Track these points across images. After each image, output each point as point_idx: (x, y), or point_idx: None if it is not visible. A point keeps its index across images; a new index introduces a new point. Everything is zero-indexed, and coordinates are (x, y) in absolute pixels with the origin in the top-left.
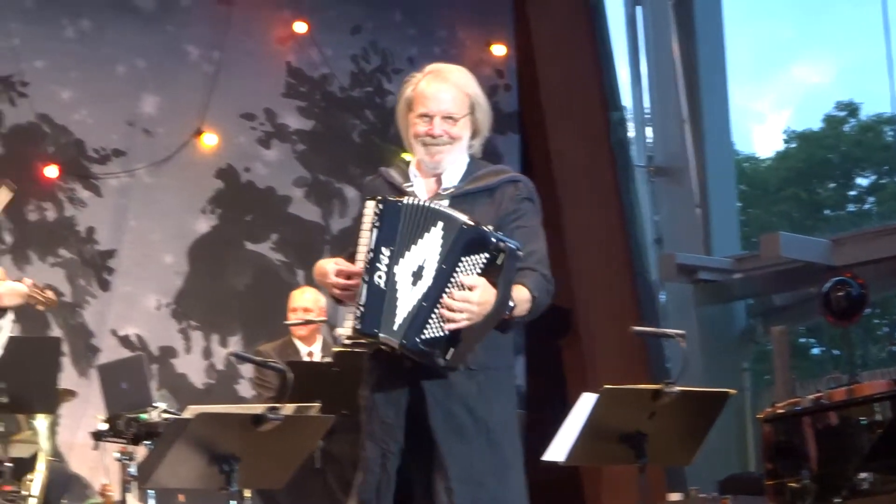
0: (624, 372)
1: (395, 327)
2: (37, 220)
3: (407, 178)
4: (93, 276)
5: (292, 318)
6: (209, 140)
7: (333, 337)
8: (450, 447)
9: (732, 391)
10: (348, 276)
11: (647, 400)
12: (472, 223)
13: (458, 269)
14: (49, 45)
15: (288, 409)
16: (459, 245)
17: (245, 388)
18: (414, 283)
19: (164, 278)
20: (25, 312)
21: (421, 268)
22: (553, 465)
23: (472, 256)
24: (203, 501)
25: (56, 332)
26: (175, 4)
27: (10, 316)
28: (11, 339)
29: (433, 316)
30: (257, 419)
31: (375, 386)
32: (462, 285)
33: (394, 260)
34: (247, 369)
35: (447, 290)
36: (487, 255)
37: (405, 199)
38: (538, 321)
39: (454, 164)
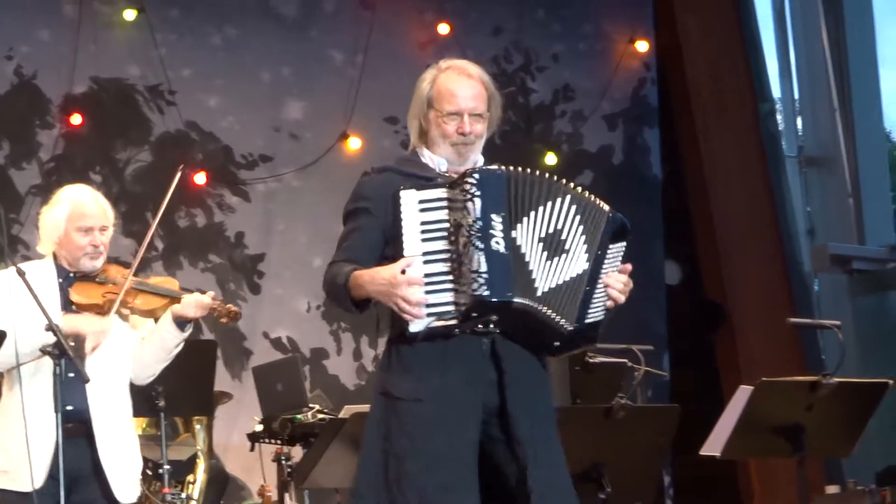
0: (779, 364)
1: (539, 294)
2: (187, 226)
3: (424, 166)
4: (243, 280)
5: None
6: (353, 144)
7: None
8: (527, 431)
9: (891, 381)
10: (418, 283)
11: (805, 392)
12: (615, 212)
13: (608, 255)
14: (195, 54)
15: None
16: (609, 232)
17: None
18: (549, 253)
19: (313, 281)
20: None
21: (553, 238)
22: (705, 459)
23: (617, 244)
24: None
25: (208, 336)
26: (318, 10)
27: (190, 327)
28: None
29: (594, 298)
30: None
31: (444, 369)
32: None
33: (509, 225)
34: None
35: (601, 275)
36: (625, 245)
37: (502, 167)
38: (686, 315)
39: (473, 163)
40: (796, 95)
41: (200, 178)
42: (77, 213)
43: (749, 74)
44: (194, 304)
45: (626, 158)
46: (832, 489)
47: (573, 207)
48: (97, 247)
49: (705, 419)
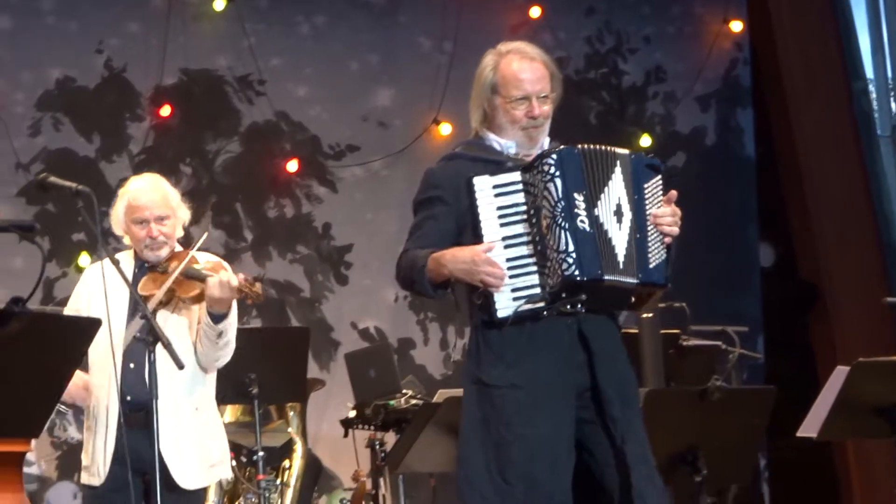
0: (874, 345)
1: (621, 266)
2: (276, 216)
3: (492, 150)
4: (330, 270)
5: None
6: (445, 130)
7: None
8: (619, 410)
9: None
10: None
11: None
12: (635, 153)
13: (646, 194)
14: (284, 44)
15: None
16: (639, 173)
17: None
18: (619, 223)
19: None
20: (267, 308)
21: (619, 206)
22: (801, 441)
23: (652, 182)
24: (454, 484)
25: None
26: None
27: (226, 320)
28: (259, 331)
29: (649, 242)
30: None
31: (535, 353)
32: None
33: (591, 203)
34: None
35: (647, 216)
36: (661, 178)
37: (577, 146)
38: (781, 297)
39: (542, 145)
40: (889, 74)
41: (293, 166)
42: (132, 206)
43: (841, 53)
44: (218, 286)
45: (719, 140)
46: None
47: (621, 171)
48: (155, 238)
49: (801, 401)
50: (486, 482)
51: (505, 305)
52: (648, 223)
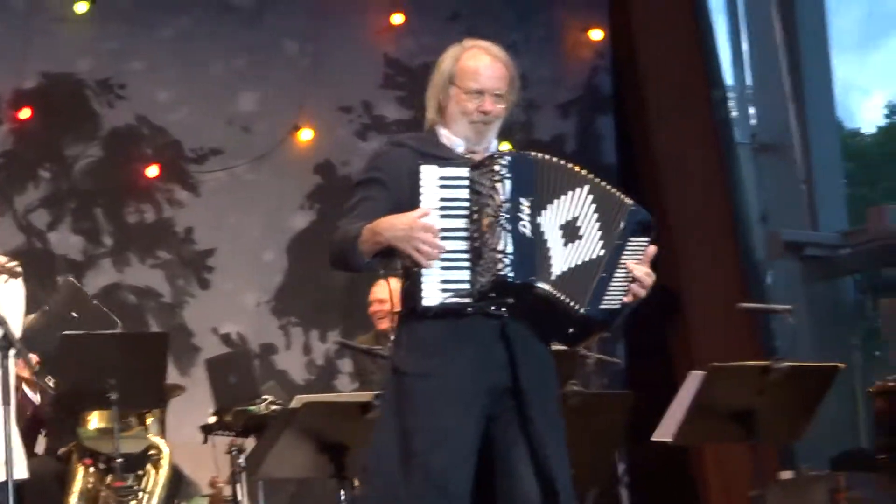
0: (731, 350)
1: (560, 283)
2: (136, 222)
3: (440, 146)
4: (192, 275)
5: (371, 309)
6: (306, 135)
7: None
8: (539, 411)
9: (842, 365)
10: (434, 233)
11: (756, 376)
12: (638, 207)
13: (628, 247)
14: (147, 47)
15: None
16: (631, 225)
17: (344, 383)
18: (567, 240)
19: (264, 276)
20: (126, 314)
21: (572, 225)
22: (660, 445)
23: (639, 239)
24: (312, 490)
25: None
26: None
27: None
28: (117, 337)
29: (611, 286)
30: (365, 407)
31: (454, 346)
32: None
33: (536, 211)
34: (346, 364)
35: (620, 264)
36: (648, 241)
37: (532, 153)
38: (644, 301)
39: (489, 144)
40: (749, 82)
41: (153, 171)
42: None
43: (702, 62)
44: None
45: (580, 147)
46: (786, 475)
47: (590, 196)
48: None
49: (661, 406)
50: (394, 469)
51: (431, 294)
52: (619, 270)
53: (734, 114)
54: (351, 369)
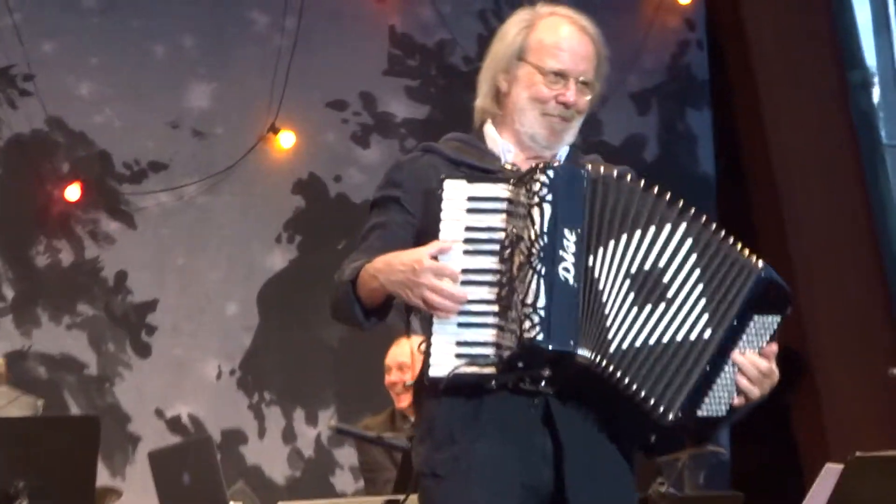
0: (880, 433)
1: (613, 350)
2: (47, 264)
3: (485, 152)
4: (126, 338)
5: (389, 379)
6: (285, 141)
7: None
8: None
9: None
10: (452, 277)
11: None
12: (769, 270)
13: (748, 329)
14: (61, 22)
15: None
16: (756, 297)
17: (344, 481)
18: (640, 297)
19: (227, 335)
20: (36, 391)
21: (654, 279)
22: None
23: (767, 318)
24: None
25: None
26: None
27: None
28: (27, 423)
29: (715, 384)
30: None
31: (476, 433)
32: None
33: (586, 248)
34: (347, 454)
35: (729, 354)
36: (780, 319)
37: (588, 166)
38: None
39: (561, 151)
40: None
41: (73, 193)
42: None
43: (834, 35)
44: None
45: (665, 152)
46: None
47: (688, 241)
48: None
49: None
50: None
51: (441, 361)
52: (727, 363)
53: (878, 104)
54: (353, 462)
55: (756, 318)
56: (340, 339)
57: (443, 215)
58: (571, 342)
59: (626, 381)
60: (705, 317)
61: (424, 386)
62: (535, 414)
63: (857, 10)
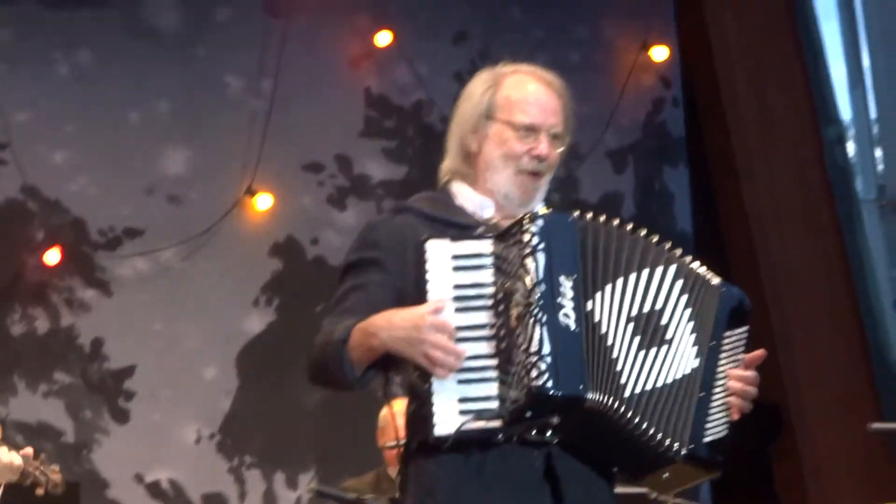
0: (861, 489)
1: (627, 395)
2: (22, 333)
3: (457, 209)
4: (104, 404)
5: (386, 442)
6: (262, 203)
7: None
8: None
9: None
10: (451, 334)
11: None
12: (729, 286)
13: (724, 346)
14: (35, 90)
15: None
16: (724, 314)
17: None
18: (644, 340)
19: (206, 399)
20: None
21: (650, 320)
22: None
23: (736, 332)
24: None
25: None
26: (208, 20)
27: None
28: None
29: (712, 407)
30: None
31: (481, 492)
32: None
33: (583, 294)
34: None
35: (718, 374)
36: (746, 331)
37: (575, 214)
38: (736, 421)
39: (538, 205)
40: (873, 115)
41: (49, 258)
42: None
43: (808, 88)
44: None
45: (641, 210)
46: None
47: (679, 282)
48: None
49: None
50: None
51: (447, 419)
52: (718, 383)
53: (854, 159)
54: None
55: (727, 334)
56: (320, 401)
57: (429, 276)
58: (581, 387)
59: (643, 424)
60: (695, 348)
61: (419, 447)
62: (538, 468)
63: (832, 64)
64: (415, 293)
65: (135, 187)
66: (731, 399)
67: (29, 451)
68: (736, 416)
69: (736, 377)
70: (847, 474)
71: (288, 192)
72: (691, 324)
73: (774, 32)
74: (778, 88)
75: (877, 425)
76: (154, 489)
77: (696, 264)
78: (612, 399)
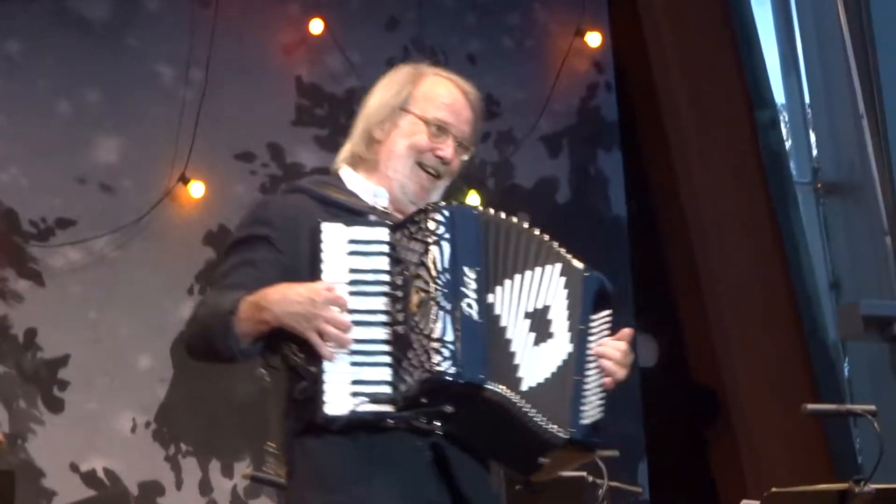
0: (796, 469)
1: (525, 388)
2: None
3: (350, 194)
4: (37, 394)
5: None
6: (196, 191)
7: None
8: None
9: None
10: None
11: None
12: (591, 270)
13: (592, 329)
14: None
15: None
16: (589, 298)
17: None
18: (537, 335)
19: (141, 388)
20: None
21: (543, 318)
22: None
23: (601, 314)
24: None
25: None
26: (138, 10)
27: None
28: None
29: (586, 390)
30: None
31: (369, 477)
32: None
33: (485, 286)
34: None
35: (589, 357)
36: (610, 313)
37: (479, 207)
38: (668, 408)
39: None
40: (807, 99)
41: None
42: None
43: (741, 72)
44: None
45: (576, 195)
46: None
47: (563, 279)
48: None
49: None
50: None
51: (338, 400)
52: (589, 365)
53: (788, 143)
54: None
55: (593, 318)
56: (254, 390)
57: (324, 256)
58: (481, 375)
59: (535, 416)
60: (569, 335)
61: (309, 428)
62: (424, 456)
63: (765, 48)
64: (307, 275)
65: (66, 177)
66: (604, 363)
67: None
68: (608, 382)
69: (612, 347)
70: (784, 456)
71: (220, 182)
72: (566, 313)
73: (707, 17)
74: (710, 73)
75: (812, 406)
76: (90, 478)
77: (568, 254)
78: (509, 391)
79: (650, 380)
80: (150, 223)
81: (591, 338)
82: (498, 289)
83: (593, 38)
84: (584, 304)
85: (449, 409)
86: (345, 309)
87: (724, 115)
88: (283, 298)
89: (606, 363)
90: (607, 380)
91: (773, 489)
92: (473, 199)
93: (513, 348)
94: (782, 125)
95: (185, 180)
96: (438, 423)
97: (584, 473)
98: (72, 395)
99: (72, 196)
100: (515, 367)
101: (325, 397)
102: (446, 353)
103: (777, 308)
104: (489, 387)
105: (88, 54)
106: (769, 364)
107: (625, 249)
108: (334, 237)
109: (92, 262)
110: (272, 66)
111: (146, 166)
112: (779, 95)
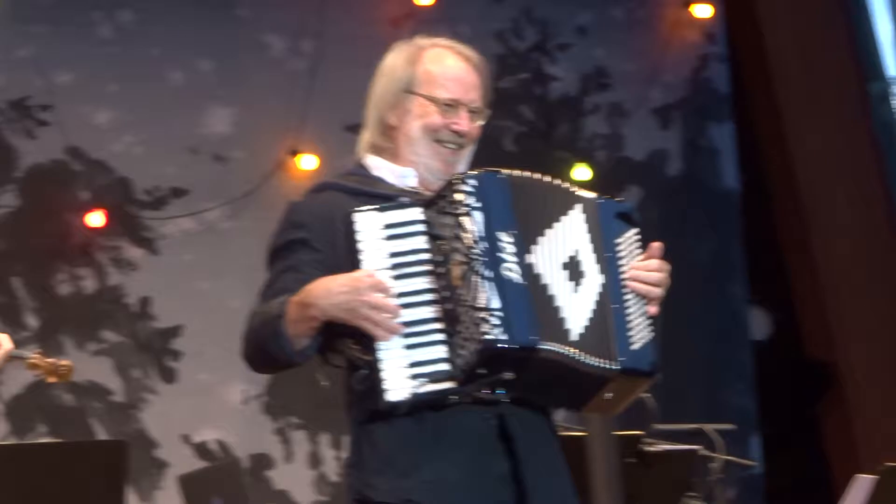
0: None
1: (578, 339)
2: (70, 293)
3: (377, 181)
4: (152, 364)
5: None
6: (306, 163)
7: None
8: None
9: None
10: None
11: None
12: (603, 197)
13: (619, 252)
14: (77, 51)
15: None
16: (609, 225)
17: None
18: (576, 285)
19: None
20: (61, 419)
21: (576, 262)
22: None
23: (625, 236)
24: None
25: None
26: None
27: None
28: (52, 449)
29: (629, 315)
30: None
31: (439, 457)
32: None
33: (523, 247)
34: None
35: (623, 279)
36: (636, 231)
37: (504, 171)
38: (781, 382)
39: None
40: None
41: (95, 220)
42: None
43: (854, 46)
44: None
45: (688, 167)
46: None
47: (584, 217)
48: None
49: None
50: None
51: (398, 385)
52: (625, 289)
53: None
54: None
55: (618, 241)
56: None
57: (361, 246)
58: (533, 337)
59: (587, 358)
60: (597, 266)
61: (373, 416)
62: (492, 428)
63: (878, 21)
64: (348, 268)
65: (179, 147)
66: (637, 287)
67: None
68: (653, 310)
69: (641, 269)
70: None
71: (331, 153)
72: (591, 246)
73: None
74: (823, 45)
75: None
76: (202, 449)
77: (580, 189)
78: (561, 345)
79: (763, 353)
80: (261, 194)
81: (621, 262)
82: (534, 248)
83: (702, 10)
84: (605, 231)
85: (508, 375)
86: (389, 292)
87: (836, 88)
88: (327, 291)
89: (639, 286)
90: (651, 308)
91: (888, 464)
92: (583, 172)
93: (557, 303)
94: (893, 97)
95: (295, 152)
96: (502, 391)
97: (698, 447)
98: (184, 365)
99: (185, 165)
100: (562, 321)
101: (386, 385)
102: (495, 320)
103: (891, 278)
104: (543, 346)
105: (200, 24)
106: (882, 337)
107: (736, 222)
108: (369, 225)
109: (205, 231)
110: (380, 38)
111: (258, 137)
112: (891, 67)
